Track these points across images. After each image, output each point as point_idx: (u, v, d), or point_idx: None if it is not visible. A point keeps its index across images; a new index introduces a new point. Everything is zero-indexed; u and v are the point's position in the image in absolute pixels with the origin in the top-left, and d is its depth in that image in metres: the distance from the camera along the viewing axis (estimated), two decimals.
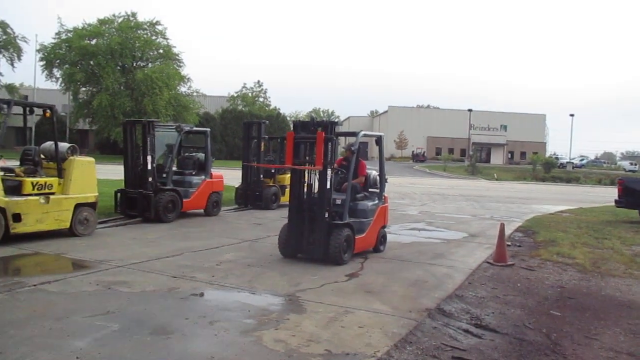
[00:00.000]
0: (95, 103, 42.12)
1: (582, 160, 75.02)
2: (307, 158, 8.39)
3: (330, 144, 8.10)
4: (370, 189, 9.69)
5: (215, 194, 13.66)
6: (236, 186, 15.95)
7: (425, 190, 27.37)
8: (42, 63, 44.74)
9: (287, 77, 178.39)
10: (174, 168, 13.34)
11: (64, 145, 9.68)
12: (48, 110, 9.41)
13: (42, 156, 9.60)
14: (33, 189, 8.88)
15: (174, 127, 13.34)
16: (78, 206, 9.50)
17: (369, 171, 9.80)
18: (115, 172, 12.08)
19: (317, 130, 8.02)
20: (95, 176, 10.00)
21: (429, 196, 23.34)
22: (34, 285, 6.17)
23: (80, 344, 4.46)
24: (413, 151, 72.31)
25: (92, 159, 10.13)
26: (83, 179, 9.65)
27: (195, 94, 50.89)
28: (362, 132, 9.37)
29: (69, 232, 9.43)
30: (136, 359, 4.21)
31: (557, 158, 68.42)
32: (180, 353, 4.35)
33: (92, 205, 9.84)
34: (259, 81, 74.11)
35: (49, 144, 9.70)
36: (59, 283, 6.36)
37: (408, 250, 9.79)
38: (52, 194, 9.16)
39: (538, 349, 4.97)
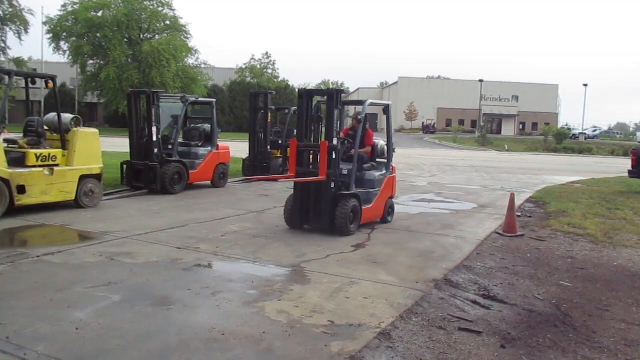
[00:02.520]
0: (102, 76, 42.03)
1: (595, 131, 73.91)
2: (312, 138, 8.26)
3: (336, 113, 7.92)
4: (377, 159, 9.53)
5: (222, 166, 13.55)
6: (244, 158, 15.83)
7: (435, 161, 27.11)
8: (49, 36, 44.65)
9: (296, 49, 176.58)
10: (180, 139, 13.22)
11: (67, 117, 9.56)
12: (50, 81, 9.26)
13: (46, 128, 9.49)
14: (37, 161, 8.81)
15: (179, 97, 13.15)
16: (83, 178, 9.44)
17: (376, 141, 9.61)
18: (123, 144, 11.99)
19: (322, 141, 7.90)
20: (99, 147, 9.90)
21: (438, 167, 23.10)
22: (37, 257, 6.13)
23: (80, 315, 4.40)
24: (423, 122, 71.64)
25: (96, 130, 10.01)
26: (87, 150, 9.56)
27: (203, 66, 50.49)
28: (369, 101, 9.13)
29: (75, 204, 9.39)
30: (135, 329, 4.15)
31: (569, 129, 67.33)
32: (181, 324, 4.28)
33: (97, 177, 9.77)
34: (267, 53, 73.79)
35: (52, 116, 9.58)
36: (62, 254, 6.31)
37: (416, 221, 9.65)
38: (57, 165, 9.09)
39: (547, 320, 4.84)
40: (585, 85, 67.17)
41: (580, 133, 65.55)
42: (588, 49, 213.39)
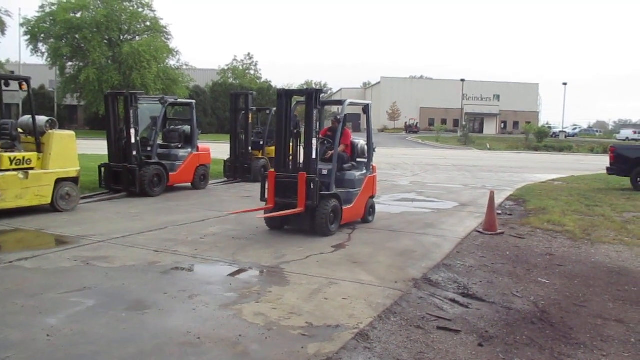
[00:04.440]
0: (82, 78, 41.48)
1: (574, 129, 74.89)
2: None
3: (315, 113, 7.87)
4: (358, 159, 9.51)
5: (203, 167, 13.43)
6: (225, 159, 15.72)
7: (417, 160, 27.22)
8: (26, 38, 43.82)
9: (278, 50, 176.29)
10: (159, 141, 13.08)
11: (42, 119, 9.39)
12: (24, 83, 9.08)
13: (20, 130, 9.31)
14: (11, 164, 8.63)
15: (157, 99, 13.00)
16: (59, 181, 9.28)
17: (356, 140, 9.59)
18: (103, 147, 11.82)
19: (300, 173, 7.76)
20: (76, 150, 9.74)
21: (420, 167, 23.19)
22: (10, 262, 5.99)
23: (52, 321, 4.31)
24: (406, 122, 71.97)
25: (72, 133, 9.85)
26: (63, 153, 9.40)
27: (184, 67, 50.04)
28: (349, 101, 9.12)
29: (51, 208, 9.23)
30: (109, 335, 4.06)
31: (549, 127, 68.14)
32: (155, 329, 4.20)
33: (74, 180, 9.61)
34: (249, 54, 73.60)
35: (26, 118, 9.41)
36: (36, 259, 6.18)
37: (397, 220, 9.65)
38: (32, 169, 8.92)
39: (525, 317, 4.86)
40: (565, 84, 67.99)
41: (560, 131, 66.37)
42: (568, 48, 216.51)
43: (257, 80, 68.12)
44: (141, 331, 4.15)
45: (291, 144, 8.19)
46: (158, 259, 6.34)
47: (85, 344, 3.90)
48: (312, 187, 7.67)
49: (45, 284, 5.29)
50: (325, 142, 8.83)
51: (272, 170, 8.16)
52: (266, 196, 8.16)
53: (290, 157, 8.17)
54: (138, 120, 11.59)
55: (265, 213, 8.11)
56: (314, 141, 7.88)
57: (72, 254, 6.49)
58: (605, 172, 16.19)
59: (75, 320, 4.34)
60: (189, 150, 13.24)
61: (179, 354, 3.77)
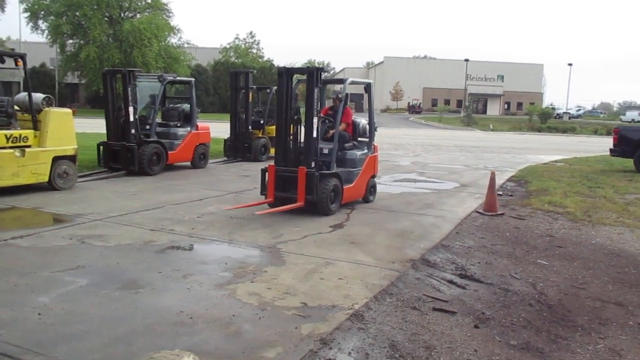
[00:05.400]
0: (82, 56, 41.17)
1: (578, 110, 74.34)
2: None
3: (316, 91, 7.74)
4: (359, 138, 9.41)
5: (202, 146, 13.35)
6: (225, 138, 15.61)
7: (420, 141, 27.07)
8: (26, 15, 43.38)
9: (281, 28, 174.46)
10: (158, 120, 12.96)
11: (38, 96, 9.27)
12: (19, 59, 8.94)
13: (17, 108, 9.21)
14: (7, 142, 8.54)
15: (156, 77, 12.85)
16: (56, 159, 9.20)
17: (357, 120, 9.48)
18: (104, 125, 11.74)
19: (299, 167, 7.67)
20: (73, 128, 9.64)
21: (422, 147, 23.05)
22: (4, 240, 5.94)
23: (44, 300, 4.27)
24: (409, 102, 71.49)
25: (69, 110, 9.75)
26: (60, 131, 9.31)
27: (186, 45, 49.60)
28: (350, 79, 8.96)
29: (48, 186, 9.17)
30: (101, 314, 4.02)
31: (553, 109, 67.63)
32: (148, 308, 4.16)
33: (72, 158, 9.53)
34: (251, 32, 72.69)
35: (22, 95, 9.31)
36: (31, 237, 6.14)
37: (397, 200, 9.58)
38: (28, 146, 8.83)
39: (522, 299, 4.80)
40: (570, 64, 67.51)
41: (564, 112, 65.89)
42: (573, 30, 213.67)
43: (260, 59, 67.36)
44: (133, 310, 4.11)
45: (292, 126, 8.07)
46: (154, 238, 6.29)
47: (76, 323, 3.86)
48: (312, 181, 7.60)
49: (39, 262, 5.25)
50: (327, 121, 8.71)
51: (272, 165, 8.05)
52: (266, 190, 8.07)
53: (291, 137, 8.06)
54: (136, 98, 11.48)
55: (265, 207, 7.97)
56: (315, 120, 7.77)
57: (68, 232, 6.45)
58: (608, 153, 16.05)
59: (68, 299, 4.30)
60: (188, 128, 13.14)
61: (171, 334, 3.73)
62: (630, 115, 65.85)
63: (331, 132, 8.55)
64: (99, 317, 3.97)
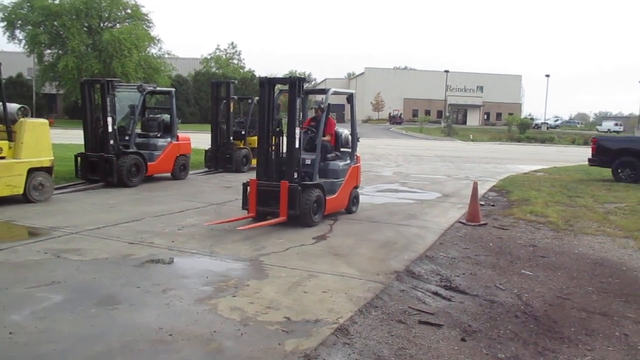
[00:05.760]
0: (60, 66, 40.63)
1: (556, 120, 75.59)
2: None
3: (298, 101, 7.67)
4: (341, 149, 9.36)
5: (183, 157, 13.17)
6: (206, 149, 15.44)
7: (401, 151, 27.16)
8: (2, 24, 42.77)
9: (262, 40, 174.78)
10: (138, 130, 12.77)
11: (13, 107, 9.06)
12: None
13: None
14: None
15: (135, 87, 12.67)
16: (32, 171, 8.97)
17: (340, 130, 9.44)
18: (82, 136, 11.52)
19: (282, 182, 7.57)
20: (49, 139, 9.42)
21: (404, 157, 23.12)
22: None
23: (16, 318, 4.09)
24: (390, 113, 71.94)
25: (45, 120, 9.53)
26: (36, 142, 9.09)
27: (166, 55, 49.28)
28: (332, 89, 8.93)
29: (24, 199, 8.93)
30: (76, 332, 3.86)
31: (532, 119, 68.66)
32: (125, 325, 4.01)
33: (48, 170, 9.31)
34: (232, 43, 72.61)
35: None
36: (4, 252, 5.93)
37: (380, 211, 9.52)
38: (2, 158, 8.62)
39: (508, 310, 4.75)
40: (547, 76, 68.48)
41: (542, 123, 66.94)
42: (551, 40, 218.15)
43: (241, 70, 67.31)
44: (110, 328, 3.96)
45: (274, 137, 7.98)
46: (132, 252, 6.12)
47: (50, 342, 3.69)
48: (294, 196, 7.49)
49: (13, 278, 5.05)
50: (309, 131, 8.65)
51: (254, 179, 7.94)
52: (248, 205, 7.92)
53: (273, 148, 7.97)
54: (115, 109, 11.29)
55: (247, 222, 7.81)
56: (297, 130, 7.69)
57: (43, 246, 6.25)
58: (586, 163, 16.26)
59: (41, 317, 4.13)
60: (169, 139, 12.96)
61: (149, 352, 3.59)
62: (606, 125, 67.37)
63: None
64: (74, 336, 3.81)
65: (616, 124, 68.50)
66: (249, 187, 7.95)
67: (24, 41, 43.32)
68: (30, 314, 4.18)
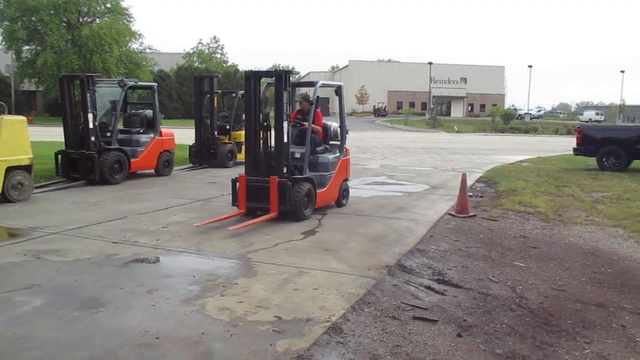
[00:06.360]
0: (39, 62, 39.88)
1: (539, 111, 76.28)
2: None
3: (285, 95, 7.51)
4: (330, 142, 9.23)
5: (167, 153, 12.93)
6: (190, 144, 15.19)
7: (387, 144, 27.10)
8: None
9: (245, 35, 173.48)
10: (120, 126, 12.50)
11: None
12: None
13: None
14: None
15: (116, 82, 12.39)
16: (10, 170, 8.70)
17: (329, 123, 9.29)
18: (62, 134, 11.24)
19: (271, 177, 7.43)
20: (27, 136, 9.14)
21: (390, 150, 23.05)
22: None
23: None
24: (374, 106, 71.91)
25: (23, 118, 9.26)
26: (14, 140, 8.81)
27: (148, 50, 48.63)
28: (321, 82, 8.77)
29: (2, 198, 8.66)
30: (57, 338, 3.68)
31: (515, 110, 69.19)
32: (110, 329, 3.84)
33: (27, 168, 9.04)
34: (215, 37, 72.00)
35: None
36: None
37: (368, 204, 9.41)
38: None
39: (503, 303, 4.66)
40: (530, 66, 69.02)
41: (525, 113, 67.45)
42: (533, 31, 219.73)
43: (224, 65, 66.65)
44: (93, 332, 3.79)
45: (261, 132, 7.81)
46: (116, 251, 5.93)
47: (30, 349, 3.52)
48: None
49: None
50: (297, 124, 8.49)
51: (243, 175, 7.77)
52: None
53: (261, 142, 7.80)
54: (96, 105, 11.03)
55: (237, 221, 7.59)
56: (285, 124, 7.53)
57: (22, 247, 6.03)
58: (571, 152, 16.32)
59: (20, 322, 3.94)
60: (152, 135, 12.72)
61: (134, 357, 3.43)
62: (588, 114, 68.14)
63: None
64: (55, 342, 3.63)
65: (597, 114, 69.31)
66: (238, 183, 7.78)
67: (0, 37, 42.48)
68: (9, 319, 3.98)
